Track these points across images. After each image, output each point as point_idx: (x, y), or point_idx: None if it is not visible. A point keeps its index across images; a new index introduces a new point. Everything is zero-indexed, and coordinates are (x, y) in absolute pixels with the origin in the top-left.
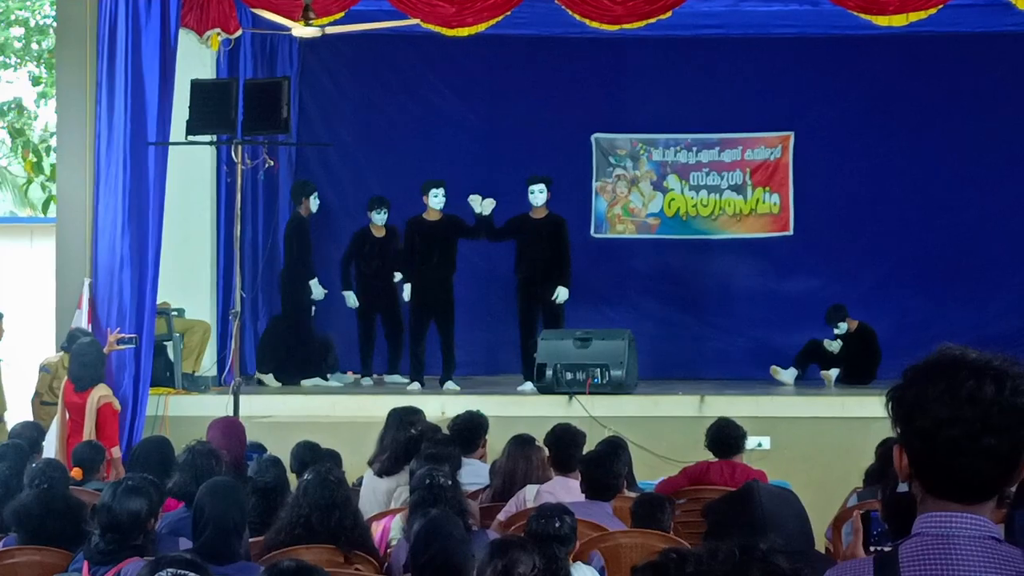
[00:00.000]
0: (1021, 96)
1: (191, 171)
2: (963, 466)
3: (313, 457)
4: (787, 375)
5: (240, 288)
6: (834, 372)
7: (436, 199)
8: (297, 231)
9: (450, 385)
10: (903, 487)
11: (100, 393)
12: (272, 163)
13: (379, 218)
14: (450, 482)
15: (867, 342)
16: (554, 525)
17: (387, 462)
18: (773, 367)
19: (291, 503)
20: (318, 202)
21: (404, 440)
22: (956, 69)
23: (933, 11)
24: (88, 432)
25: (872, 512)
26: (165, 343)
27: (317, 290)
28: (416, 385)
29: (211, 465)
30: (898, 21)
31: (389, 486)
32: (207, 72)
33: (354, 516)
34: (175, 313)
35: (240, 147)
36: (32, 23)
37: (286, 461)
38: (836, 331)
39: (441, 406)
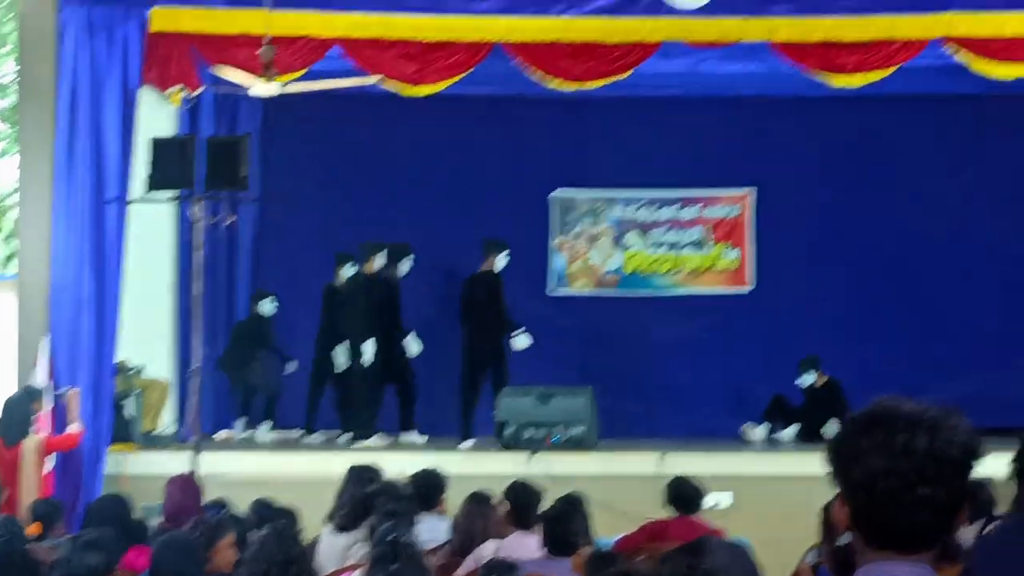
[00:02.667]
0: (977, 155)
1: (151, 227)
2: (900, 517)
3: (270, 514)
4: (758, 432)
5: (200, 345)
6: (792, 429)
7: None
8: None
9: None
10: (846, 539)
11: (32, 441)
12: (232, 219)
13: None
14: (410, 538)
15: (833, 399)
16: None
17: (345, 518)
18: (744, 426)
19: (248, 559)
20: (410, 264)
21: (362, 496)
22: (912, 129)
23: (889, 72)
24: (35, 482)
25: (821, 565)
26: (124, 401)
27: (414, 345)
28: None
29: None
30: (855, 81)
31: (347, 542)
32: (168, 129)
33: (310, 572)
34: (134, 370)
35: (200, 204)
36: None
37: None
38: (800, 382)
39: (400, 463)
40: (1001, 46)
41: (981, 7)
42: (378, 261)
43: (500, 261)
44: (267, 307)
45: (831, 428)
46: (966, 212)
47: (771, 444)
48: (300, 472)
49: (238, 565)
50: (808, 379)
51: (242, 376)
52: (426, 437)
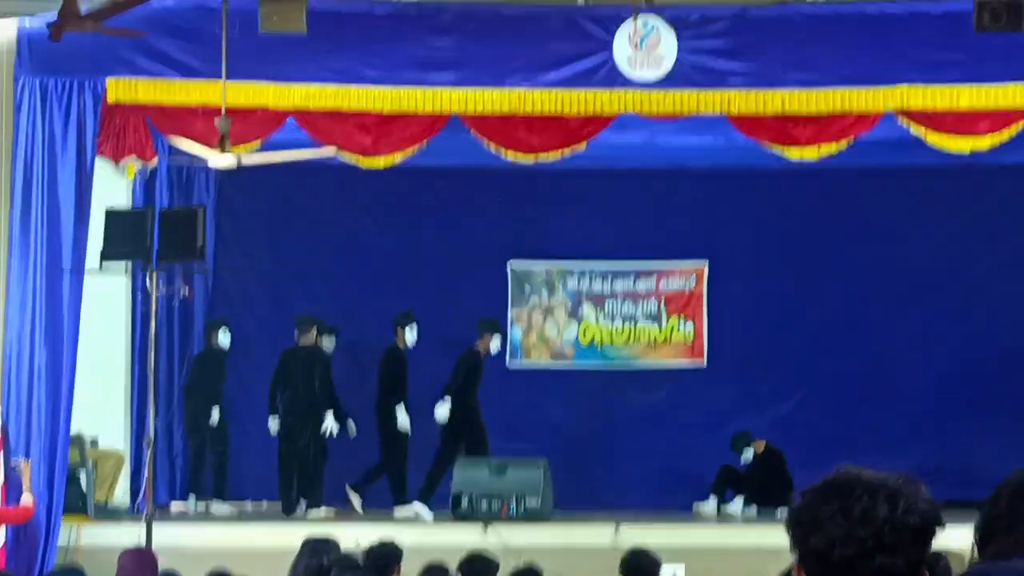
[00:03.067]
0: (931, 228)
1: (105, 299)
2: None
3: None
4: (708, 507)
5: (154, 416)
6: (739, 500)
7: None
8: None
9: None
10: None
11: None
12: (187, 291)
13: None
14: None
15: (775, 464)
16: None
17: None
18: (695, 504)
19: None
20: (414, 335)
21: (316, 569)
22: (868, 201)
23: (844, 145)
24: None
25: None
26: (78, 472)
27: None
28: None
29: None
30: (810, 154)
31: None
32: (123, 200)
33: None
34: (88, 442)
35: (155, 275)
36: None
37: None
38: (743, 457)
39: (355, 535)
40: (954, 119)
41: (935, 81)
42: (313, 334)
43: (495, 343)
44: (222, 338)
45: (778, 498)
46: (921, 285)
47: (724, 518)
48: (255, 544)
49: None
50: (748, 453)
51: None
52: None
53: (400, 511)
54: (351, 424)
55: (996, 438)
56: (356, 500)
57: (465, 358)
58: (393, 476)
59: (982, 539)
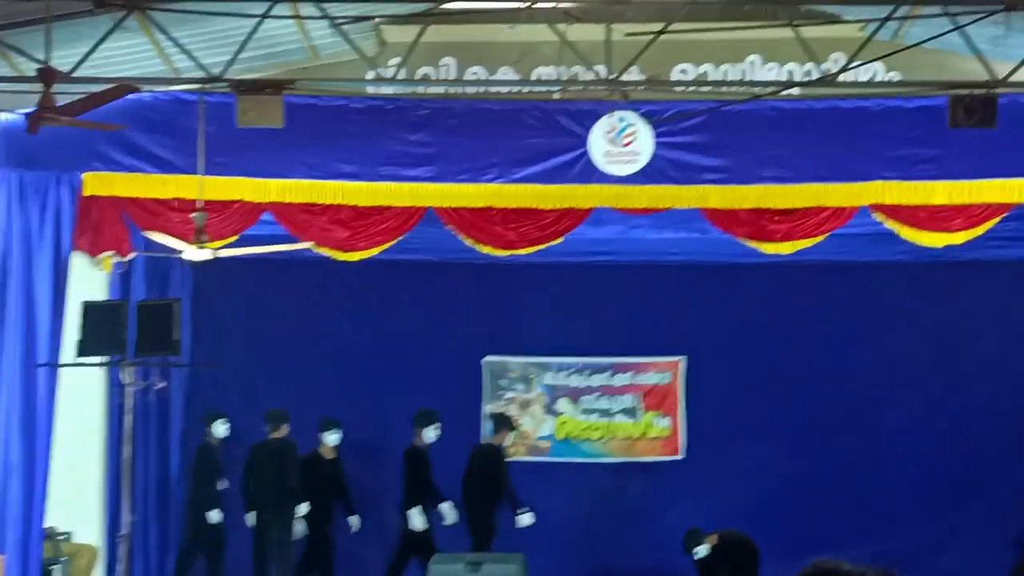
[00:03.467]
0: (907, 321)
1: (81, 392)
2: None
3: None
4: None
5: (130, 511)
6: None
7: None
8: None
9: None
10: None
11: None
12: (163, 385)
13: (331, 439)
14: None
15: (731, 555)
16: None
17: None
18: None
19: None
20: (337, 439)
21: None
22: (843, 295)
23: (819, 239)
24: None
25: None
26: (52, 567)
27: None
28: None
29: None
30: (785, 249)
31: None
32: (99, 293)
33: None
34: (62, 537)
35: (131, 368)
36: None
37: None
38: (696, 556)
39: None
40: (928, 215)
41: (909, 177)
42: (284, 429)
43: (429, 433)
44: (219, 429)
45: None
46: (896, 378)
47: None
48: None
49: None
50: (702, 550)
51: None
52: None
53: None
54: (355, 520)
55: (970, 533)
56: None
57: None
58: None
59: None
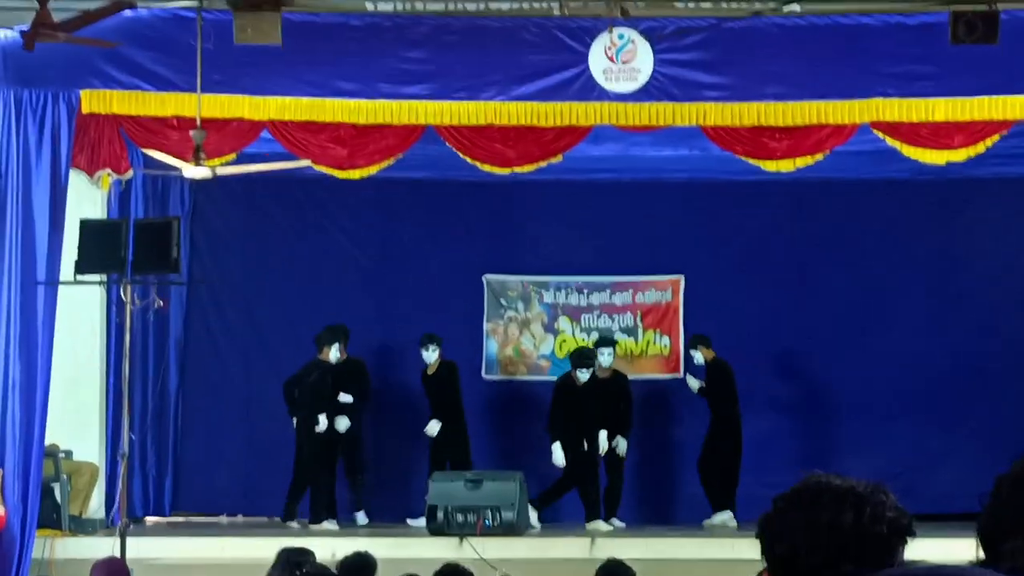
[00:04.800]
0: (907, 240)
1: (80, 311)
2: None
3: None
4: (694, 383)
5: (129, 429)
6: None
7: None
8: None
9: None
10: None
11: None
12: (162, 303)
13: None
14: None
15: (723, 375)
16: None
17: None
18: (688, 376)
19: None
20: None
21: None
22: (844, 214)
23: (820, 157)
24: None
25: None
26: (52, 485)
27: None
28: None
29: None
30: (785, 167)
31: None
32: (97, 212)
33: None
34: (63, 454)
35: (129, 287)
36: None
37: None
38: (694, 359)
39: (331, 547)
40: (929, 132)
41: (910, 94)
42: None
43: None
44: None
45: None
46: (893, 296)
47: (699, 529)
48: (229, 556)
49: None
50: (698, 357)
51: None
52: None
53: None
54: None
55: (966, 452)
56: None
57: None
58: (585, 493)
59: (985, 536)
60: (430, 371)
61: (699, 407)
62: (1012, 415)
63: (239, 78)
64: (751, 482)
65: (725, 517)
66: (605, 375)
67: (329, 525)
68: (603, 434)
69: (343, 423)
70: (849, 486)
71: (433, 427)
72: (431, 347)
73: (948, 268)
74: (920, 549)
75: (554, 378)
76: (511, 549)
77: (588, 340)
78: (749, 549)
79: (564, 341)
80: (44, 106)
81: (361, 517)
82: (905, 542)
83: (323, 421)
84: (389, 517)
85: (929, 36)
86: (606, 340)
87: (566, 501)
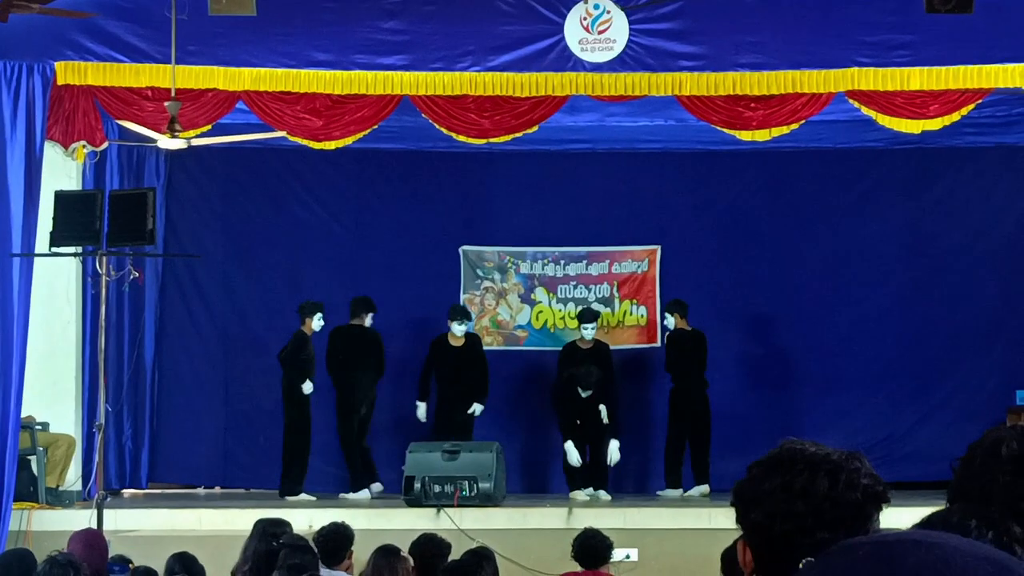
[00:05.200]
0: (883, 209)
1: (56, 283)
2: (800, 561)
3: (189, 569)
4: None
5: (105, 401)
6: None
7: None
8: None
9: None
10: None
11: None
12: (137, 275)
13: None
14: None
15: (695, 344)
16: None
17: (249, 573)
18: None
19: None
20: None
21: (265, 551)
22: (819, 183)
23: (795, 127)
24: None
25: None
26: (29, 457)
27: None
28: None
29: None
30: (761, 136)
31: None
32: (73, 184)
33: None
34: (39, 427)
35: (105, 258)
36: None
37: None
38: (666, 322)
39: (308, 519)
40: (905, 101)
41: (885, 63)
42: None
43: (316, 323)
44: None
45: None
46: (873, 267)
47: (675, 500)
48: (206, 528)
49: None
50: (669, 321)
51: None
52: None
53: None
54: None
55: (942, 420)
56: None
57: None
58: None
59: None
60: (455, 342)
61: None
62: (986, 383)
63: (214, 49)
64: (726, 451)
65: (703, 489)
66: (587, 346)
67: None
68: (603, 408)
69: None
70: (824, 453)
71: (477, 409)
72: (464, 321)
73: (923, 237)
74: (895, 518)
75: (533, 348)
76: (488, 519)
77: (565, 311)
78: (726, 519)
79: (541, 312)
80: (18, 78)
81: (377, 487)
82: (880, 509)
83: (309, 386)
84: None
85: (904, 5)
86: (589, 314)
87: (546, 471)
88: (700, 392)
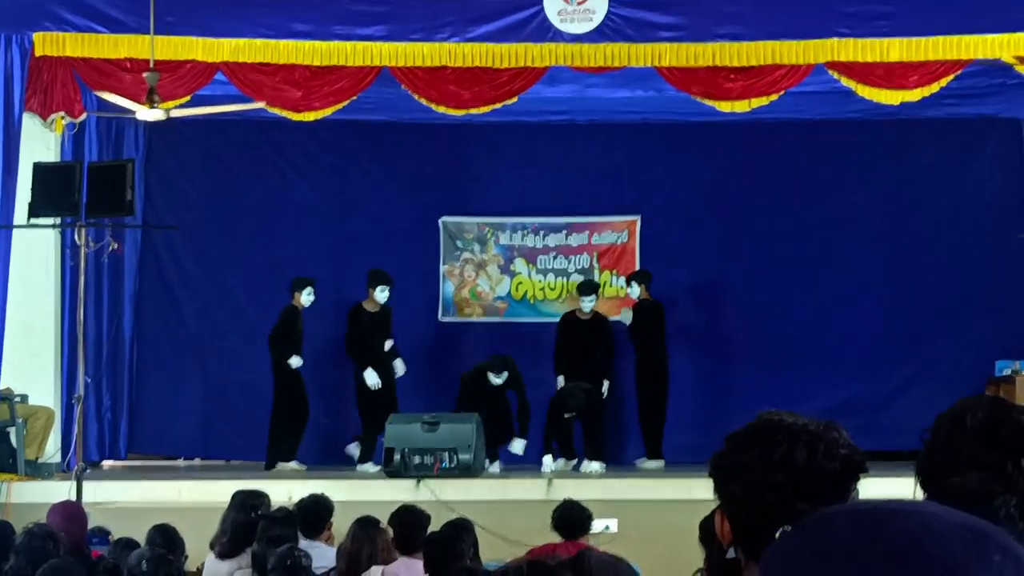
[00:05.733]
0: (862, 180)
1: (34, 254)
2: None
3: (169, 541)
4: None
5: (84, 373)
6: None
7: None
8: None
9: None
10: (731, 553)
11: None
12: (116, 246)
13: (382, 296)
14: (308, 562)
15: (653, 315)
16: None
17: (227, 544)
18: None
19: None
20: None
21: (244, 522)
22: (798, 154)
23: (775, 97)
24: None
25: None
26: (7, 429)
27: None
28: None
29: (48, 548)
30: (740, 107)
31: (230, 568)
32: (51, 155)
33: None
34: (18, 399)
35: (84, 230)
36: None
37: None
38: (630, 291)
39: (288, 490)
40: (884, 72)
41: (865, 34)
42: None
43: (305, 298)
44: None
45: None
46: (853, 237)
47: (655, 471)
48: (185, 500)
49: None
50: (635, 287)
51: None
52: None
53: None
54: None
55: (923, 390)
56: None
57: None
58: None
59: (924, 475)
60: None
61: None
62: (967, 354)
63: (192, 19)
64: (705, 424)
65: (655, 464)
66: (586, 317)
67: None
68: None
69: (401, 367)
70: (802, 424)
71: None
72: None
73: (902, 208)
74: (876, 488)
75: (512, 319)
76: (468, 491)
77: (544, 282)
78: (705, 490)
79: (520, 283)
80: None
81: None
82: (858, 478)
83: (297, 360)
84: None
85: None
86: (587, 287)
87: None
88: (662, 364)
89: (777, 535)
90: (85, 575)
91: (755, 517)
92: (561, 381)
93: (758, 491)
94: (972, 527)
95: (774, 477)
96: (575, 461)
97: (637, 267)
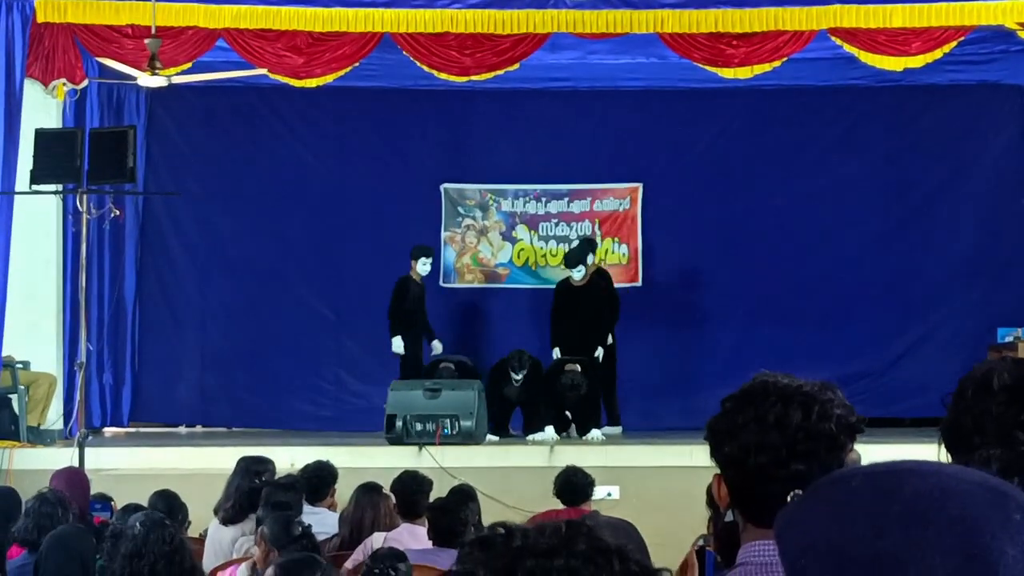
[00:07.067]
0: (864, 147)
1: (36, 221)
2: (775, 493)
3: (170, 507)
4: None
5: (86, 339)
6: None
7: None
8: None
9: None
10: (729, 516)
11: None
12: (118, 213)
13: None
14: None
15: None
16: (388, 573)
17: (231, 510)
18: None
19: (130, 553)
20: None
21: (248, 489)
22: (801, 121)
23: (777, 64)
24: None
25: (705, 547)
26: (10, 396)
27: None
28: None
29: (58, 514)
30: (743, 74)
31: (233, 535)
32: (53, 122)
33: (192, 563)
34: (20, 365)
35: (85, 196)
36: None
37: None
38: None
39: (291, 457)
40: (887, 38)
41: (868, 0)
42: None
43: (421, 267)
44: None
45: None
46: (854, 204)
47: (658, 436)
48: (188, 466)
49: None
50: (577, 274)
51: None
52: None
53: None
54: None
55: (924, 358)
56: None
57: None
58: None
59: (949, 438)
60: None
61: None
62: (968, 321)
63: None
64: (707, 392)
65: (597, 434)
66: (579, 283)
67: None
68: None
69: (439, 346)
70: (796, 385)
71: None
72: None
73: (905, 174)
74: (877, 452)
75: (514, 285)
76: (470, 457)
77: (546, 248)
78: (706, 456)
79: (522, 249)
80: None
81: None
82: (853, 439)
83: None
84: None
85: None
86: (571, 259)
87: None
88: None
89: (789, 498)
90: (93, 541)
91: (751, 479)
92: (556, 353)
93: (753, 452)
94: (992, 486)
95: (769, 438)
96: (571, 429)
97: (639, 234)
